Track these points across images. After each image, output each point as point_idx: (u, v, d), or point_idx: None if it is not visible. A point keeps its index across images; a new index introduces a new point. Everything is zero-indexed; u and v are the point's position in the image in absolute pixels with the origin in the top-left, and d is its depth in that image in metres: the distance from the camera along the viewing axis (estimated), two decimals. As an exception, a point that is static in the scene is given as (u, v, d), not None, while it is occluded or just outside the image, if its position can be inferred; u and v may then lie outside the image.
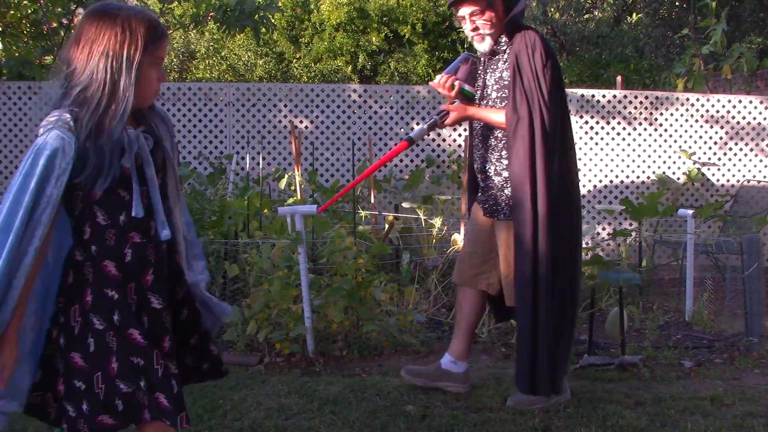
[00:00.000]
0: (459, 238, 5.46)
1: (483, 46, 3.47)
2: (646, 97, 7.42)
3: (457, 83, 3.54)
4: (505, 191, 3.47)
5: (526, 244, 3.32)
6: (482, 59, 3.61)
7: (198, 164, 7.19)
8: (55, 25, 8.70)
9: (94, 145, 1.94)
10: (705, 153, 7.38)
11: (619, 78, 8.18)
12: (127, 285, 2.03)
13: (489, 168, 3.56)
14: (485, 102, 3.54)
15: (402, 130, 7.38)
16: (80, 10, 8.42)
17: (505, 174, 3.46)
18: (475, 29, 3.42)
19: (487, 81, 3.55)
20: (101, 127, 1.95)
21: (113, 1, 2.09)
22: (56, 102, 1.99)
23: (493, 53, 3.51)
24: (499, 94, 3.47)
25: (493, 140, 3.52)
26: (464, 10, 3.41)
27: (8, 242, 1.85)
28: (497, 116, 3.41)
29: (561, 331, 3.40)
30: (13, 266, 1.86)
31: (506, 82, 3.41)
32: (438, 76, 3.59)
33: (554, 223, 3.31)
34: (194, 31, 16.68)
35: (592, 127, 7.39)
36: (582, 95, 7.42)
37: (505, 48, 3.45)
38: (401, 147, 3.58)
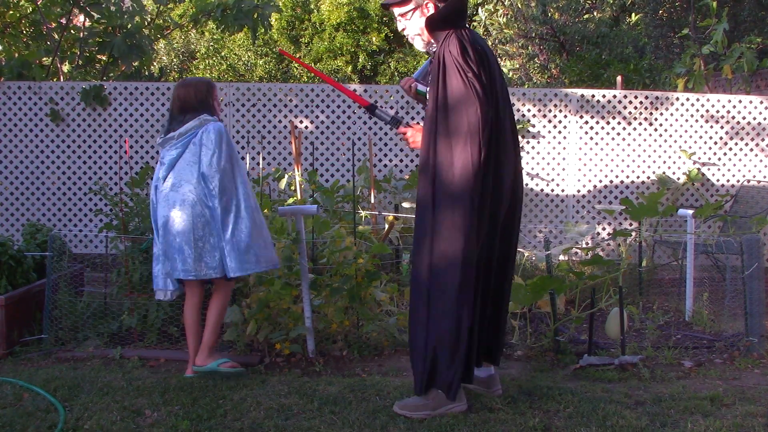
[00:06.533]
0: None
1: (417, 46, 3.49)
2: (646, 97, 7.41)
3: (413, 85, 3.58)
4: None
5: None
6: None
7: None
8: (53, 25, 8.71)
9: None
10: (705, 153, 7.37)
11: (619, 78, 8.17)
12: None
13: None
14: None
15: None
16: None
17: None
18: (404, 29, 3.48)
19: (429, 81, 3.56)
20: None
21: None
22: None
23: (429, 54, 3.53)
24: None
25: None
26: (395, 11, 3.46)
27: None
28: None
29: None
30: None
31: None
32: (404, 79, 3.68)
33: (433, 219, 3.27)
34: (194, 31, 16.70)
35: (592, 127, 7.39)
36: (582, 95, 7.42)
37: (435, 49, 3.41)
38: (363, 102, 3.70)
